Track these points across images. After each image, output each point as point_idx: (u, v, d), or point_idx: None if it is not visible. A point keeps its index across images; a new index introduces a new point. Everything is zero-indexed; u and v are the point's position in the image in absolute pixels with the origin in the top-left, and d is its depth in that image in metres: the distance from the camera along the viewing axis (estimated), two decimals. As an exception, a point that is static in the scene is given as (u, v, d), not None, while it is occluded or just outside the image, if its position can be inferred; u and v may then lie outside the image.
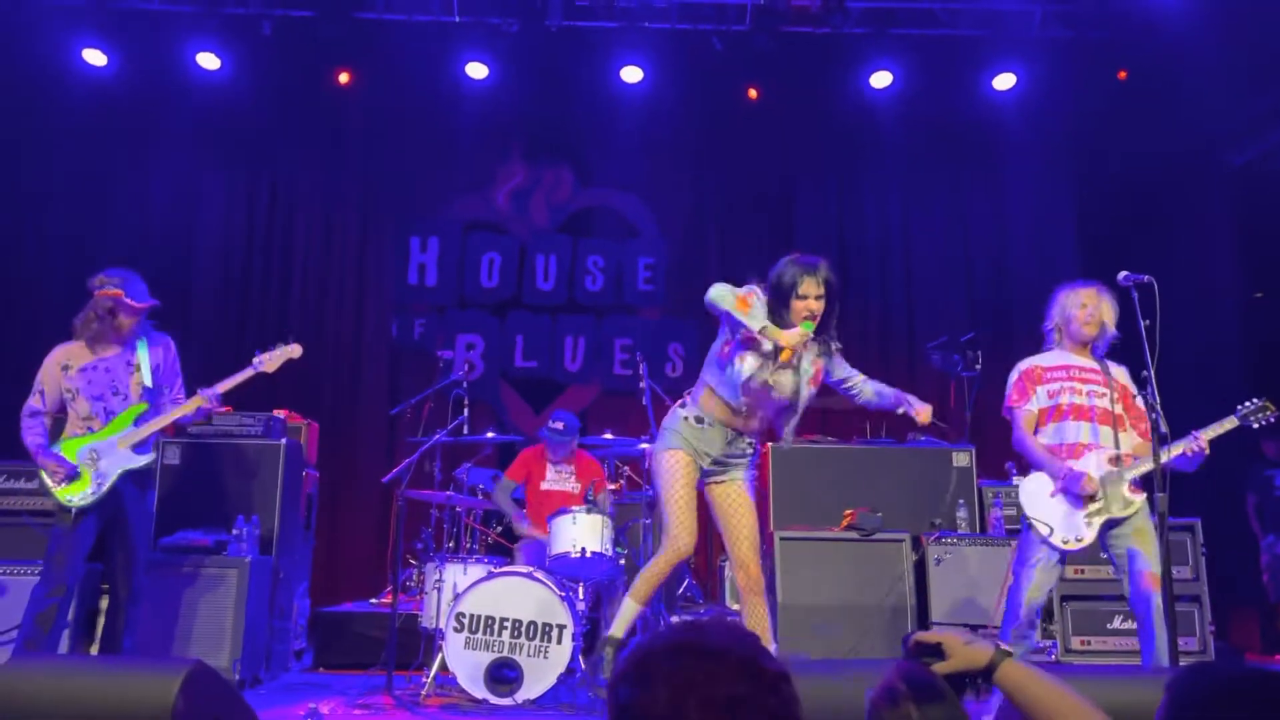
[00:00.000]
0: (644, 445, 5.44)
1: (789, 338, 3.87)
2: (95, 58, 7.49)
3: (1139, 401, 4.19)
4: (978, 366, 6.39)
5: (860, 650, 5.23)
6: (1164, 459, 3.83)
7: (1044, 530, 4.08)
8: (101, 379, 4.60)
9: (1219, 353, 7.06)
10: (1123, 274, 3.85)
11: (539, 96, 8.08)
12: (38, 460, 4.50)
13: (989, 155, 8.26)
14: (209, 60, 7.56)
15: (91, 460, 4.50)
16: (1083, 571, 5.60)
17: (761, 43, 7.46)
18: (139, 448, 4.58)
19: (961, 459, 5.97)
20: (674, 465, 4.10)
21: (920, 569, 5.56)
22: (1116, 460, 4.09)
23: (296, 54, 7.65)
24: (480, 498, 6.18)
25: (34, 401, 4.60)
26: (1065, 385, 4.20)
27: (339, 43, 7.53)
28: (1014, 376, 4.35)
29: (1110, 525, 4.07)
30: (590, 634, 5.36)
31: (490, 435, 6.33)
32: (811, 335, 3.94)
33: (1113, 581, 5.61)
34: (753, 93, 8.05)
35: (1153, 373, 3.69)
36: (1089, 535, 4.05)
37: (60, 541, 4.46)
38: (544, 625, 4.75)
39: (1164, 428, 3.67)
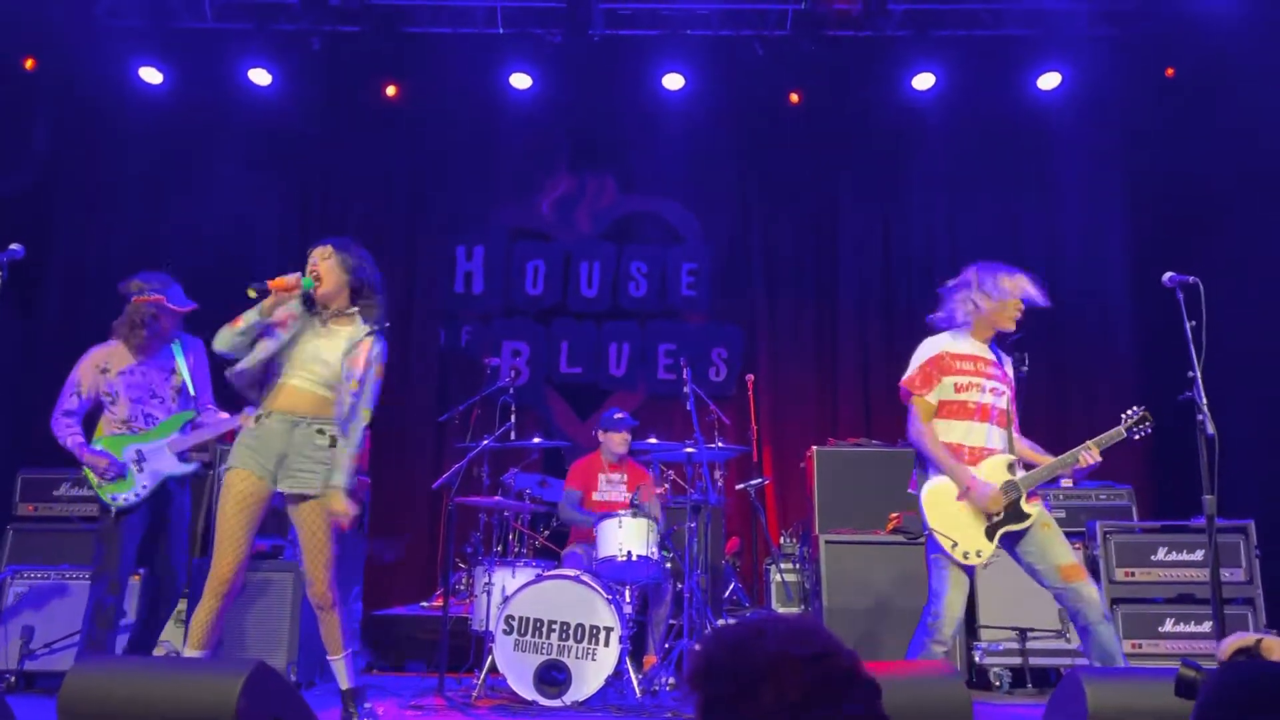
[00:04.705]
0: (688, 449, 5.48)
1: (279, 281, 3.87)
2: (152, 76, 7.70)
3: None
4: (1024, 369, 6.32)
5: (905, 655, 5.21)
6: (1067, 467, 3.91)
7: (947, 543, 3.83)
8: (140, 383, 4.64)
9: (1273, 355, 6.94)
10: (1168, 275, 3.82)
11: (582, 105, 8.16)
12: (82, 458, 4.53)
13: (1035, 156, 8.17)
14: (260, 76, 7.73)
15: (137, 462, 4.56)
16: (1133, 574, 5.56)
17: (803, 47, 7.46)
18: (183, 456, 4.64)
19: (1008, 462, 5.93)
20: (224, 485, 3.90)
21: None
22: (1013, 468, 3.92)
23: (345, 68, 7.80)
24: (528, 502, 6.26)
25: (69, 403, 4.62)
26: (973, 380, 3.95)
27: (386, 56, 7.67)
28: (921, 359, 4.03)
29: (1012, 536, 3.89)
30: (637, 636, 5.42)
31: (537, 440, 6.41)
32: (304, 287, 3.91)
33: (1164, 584, 5.59)
34: (795, 97, 8.05)
35: (1199, 374, 3.65)
36: (990, 548, 3.84)
37: (107, 541, 4.51)
38: (591, 628, 4.80)
39: (1211, 429, 3.63)
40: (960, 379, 3.95)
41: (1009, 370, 4.13)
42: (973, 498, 3.83)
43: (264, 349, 3.92)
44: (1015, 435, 4.06)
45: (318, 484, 3.86)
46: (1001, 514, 3.85)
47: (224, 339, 3.89)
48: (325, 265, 3.99)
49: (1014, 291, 3.98)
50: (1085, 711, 2.79)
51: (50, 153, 7.83)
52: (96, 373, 4.65)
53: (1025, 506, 3.87)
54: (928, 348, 4.04)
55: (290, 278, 3.90)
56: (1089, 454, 3.87)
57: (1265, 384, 6.54)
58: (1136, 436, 3.94)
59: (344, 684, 3.95)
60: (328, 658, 3.99)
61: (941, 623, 3.81)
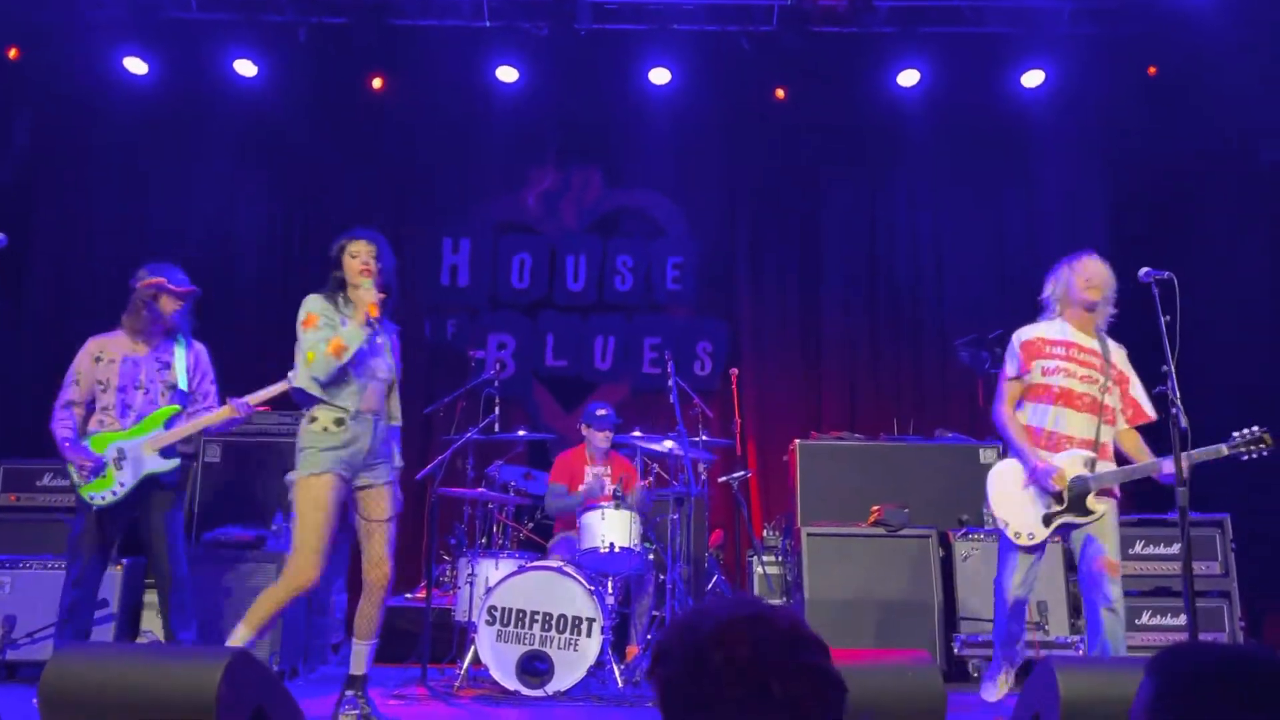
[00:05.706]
0: (669, 443, 5.51)
1: (364, 294, 4.09)
2: (136, 66, 7.67)
3: (1134, 390, 4.15)
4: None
5: (886, 646, 5.26)
6: (1151, 472, 3.91)
7: (1000, 524, 4.10)
8: (130, 372, 4.62)
9: (1252, 351, 7.01)
10: (1143, 270, 3.87)
11: (568, 99, 8.15)
12: (65, 454, 4.52)
13: (1019, 152, 8.24)
14: (246, 67, 7.71)
15: (117, 460, 4.51)
16: (1110, 567, 5.61)
17: (789, 43, 7.49)
18: (166, 452, 4.58)
19: (988, 455, 5.99)
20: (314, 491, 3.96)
21: (947, 565, 5.59)
22: (1091, 465, 4.00)
23: (331, 60, 7.76)
24: (512, 494, 6.28)
25: (69, 393, 4.61)
26: (1062, 365, 4.09)
27: (372, 49, 7.65)
28: (1014, 346, 4.22)
29: (1071, 526, 4.05)
30: (620, 627, 5.45)
31: (521, 433, 6.42)
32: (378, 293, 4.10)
33: (1140, 577, 5.65)
34: (780, 92, 8.06)
35: (1173, 368, 3.69)
36: (1043, 534, 4.03)
37: (82, 534, 4.50)
38: (574, 619, 4.83)
39: (1184, 423, 3.67)
40: (1048, 363, 4.11)
41: (1118, 361, 4.17)
42: (1037, 478, 4.01)
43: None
44: (1117, 426, 4.14)
45: (391, 471, 4.23)
46: (1065, 504, 3.99)
47: (329, 366, 3.96)
48: (378, 267, 4.20)
49: (1072, 274, 4.17)
50: (1058, 699, 2.83)
51: (34, 143, 7.80)
52: (90, 361, 4.64)
53: (1092, 503, 3.98)
54: (1021, 334, 4.23)
55: (374, 296, 4.09)
56: (1170, 464, 3.78)
57: (1241, 378, 6.61)
58: (1245, 458, 3.86)
59: (360, 669, 4.12)
60: (355, 639, 4.15)
61: (1004, 594, 4.09)
